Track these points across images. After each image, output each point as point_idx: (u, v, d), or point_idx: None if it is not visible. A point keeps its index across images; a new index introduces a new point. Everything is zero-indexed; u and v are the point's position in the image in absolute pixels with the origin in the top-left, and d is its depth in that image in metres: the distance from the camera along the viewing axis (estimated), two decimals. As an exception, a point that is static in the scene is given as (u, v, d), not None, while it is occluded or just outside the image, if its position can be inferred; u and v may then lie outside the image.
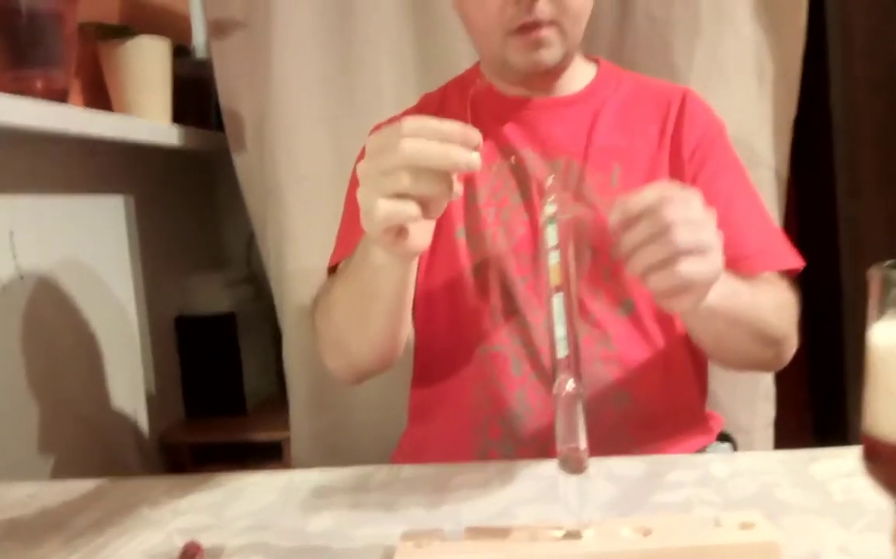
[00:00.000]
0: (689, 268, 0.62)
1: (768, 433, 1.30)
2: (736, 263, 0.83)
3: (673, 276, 0.62)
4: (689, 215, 0.63)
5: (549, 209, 0.59)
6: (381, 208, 0.61)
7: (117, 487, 0.85)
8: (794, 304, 0.90)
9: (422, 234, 0.66)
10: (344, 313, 0.84)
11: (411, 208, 0.61)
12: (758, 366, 0.95)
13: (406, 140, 0.60)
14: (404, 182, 0.60)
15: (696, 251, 0.63)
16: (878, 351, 0.47)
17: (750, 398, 1.28)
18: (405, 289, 0.78)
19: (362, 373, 0.92)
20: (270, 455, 1.51)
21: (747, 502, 0.65)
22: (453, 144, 0.60)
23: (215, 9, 1.42)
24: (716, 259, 0.65)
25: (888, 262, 0.47)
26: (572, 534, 0.59)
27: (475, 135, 0.61)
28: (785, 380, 1.25)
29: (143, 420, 1.52)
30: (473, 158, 0.60)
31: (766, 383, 1.28)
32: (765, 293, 0.86)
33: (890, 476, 0.47)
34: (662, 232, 0.62)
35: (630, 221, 0.64)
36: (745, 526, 0.57)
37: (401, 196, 0.61)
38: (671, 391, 0.96)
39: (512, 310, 0.93)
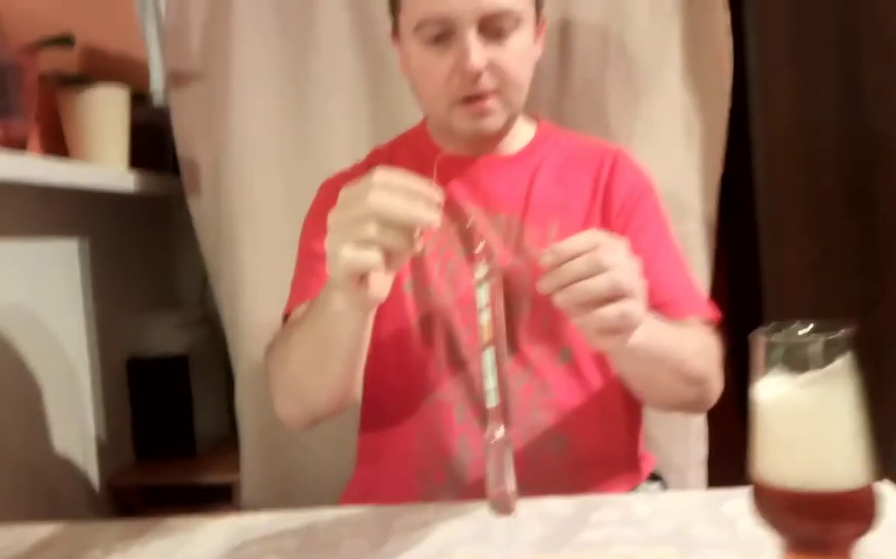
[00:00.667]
0: (616, 309, 0.68)
1: (701, 471, 1.36)
2: (660, 308, 0.90)
3: (602, 316, 0.68)
4: (617, 260, 0.69)
5: (480, 272, 0.65)
6: (346, 254, 0.66)
7: (69, 532, 0.86)
8: (716, 348, 0.97)
9: (381, 285, 0.70)
10: (301, 358, 0.87)
11: (375, 257, 0.66)
12: (684, 405, 0.99)
13: (375, 192, 0.64)
14: (370, 232, 0.65)
15: (623, 294, 0.68)
16: (761, 405, 0.53)
17: (683, 438, 1.35)
18: (362, 338, 0.82)
19: (315, 418, 0.95)
20: (221, 497, 1.52)
21: (664, 539, 0.71)
22: (418, 202, 0.65)
23: (174, 60, 1.46)
24: (640, 303, 0.71)
25: (770, 326, 0.54)
26: (502, 572, 0.64)
27: (437, 195, 0.66)
28: (717, 420, 1.32)
29: (92, 463, 1.52)
30: (434, 218, 0.65)
31: (697, 423, 1.35)
32: (688, 335, 0.92)
33: (774, 515, 0.53)
34: (592, 273, 0.67)
35: (562, 261, 0.69)
36: (658, 561, 0.63)
37: (366, 245, 0.65)
38: (606, 434, 1.02)
39: (456, 360, 0.98)
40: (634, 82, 1.35)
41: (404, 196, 0.65)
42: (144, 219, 1.75)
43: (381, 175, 0.65)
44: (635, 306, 0.70)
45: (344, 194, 0.68)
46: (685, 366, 0.89)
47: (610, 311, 0.68)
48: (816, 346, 0.52)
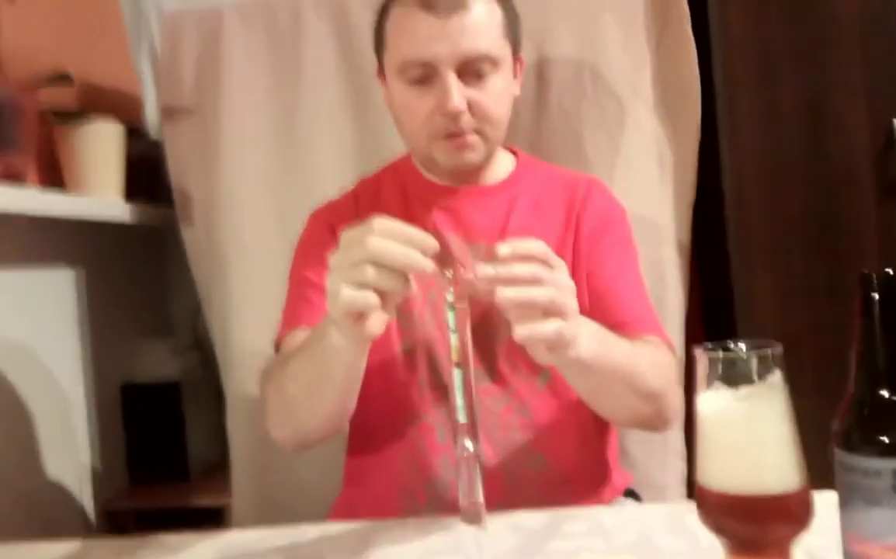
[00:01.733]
0: (552, 326, 0.72)
1: (681, 488, 1.40)
2: (617, 328, 0.94)
3: (540, 329, 0.72)
4: (555, 278, 0.73)
5: (449, 298, 0.69)
6: (345, 294, 0.71)
7: (65, 550, 0.90)
8: (672, 366, 1.00)
9: (377, 323, 0.75)
10: (297, 386, 0.91)
11: (371, 298, 0.71)
12: (641, 420, 1.01)
13: (374, 238, 0.70)
14: (368, 275, 0.70)
15: (558, 312, 0.73)
16: (703, 416, 0.58)
17: (661, 456, 1.39)
18: (357, 371, 0.86)
19: (308, 443, 0.98)
20: (212, 520, 1.55)
21: (628, 548, 0.75)
22: (414, 248, 0.70)
23: (168, 96, 1.52)
24: (572, 324, 0.75)
25: (712, 344, 0.59)
26: (473, 578, 0.68)
27: (433, 243, 0.71)
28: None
29: (86, 488, 1.55)
30: (428, 265, 0.70)
31: (675, 441, 1.39)
32: (641, 352, 0.94)
33: (715, 518, 0.58)
34: (533, 283, 0.72)
35: (516, 256, 0.73)
36: (618, 567, 0.67)
37: (364, 286, 0.70)
38: (583, 452, 1.06)
39: (438, 383, 1.02)
40: (608, 115, 1.41)
41: (402, 242, 0.70)
42: (138, 248, 1.79)
43: (381, 222, 0.71)
44: (567, 327, 0.74)
45: (345, 237, 0.73)
46: (637, 381, 0.91)
47: (546, 327, 0.72)
48: (751, 363, 0.57)
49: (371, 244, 0.69)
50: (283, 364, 0.95)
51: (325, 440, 0.97)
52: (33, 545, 0.92)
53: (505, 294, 0.71)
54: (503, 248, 0.73)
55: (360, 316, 0.73)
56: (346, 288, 0.71)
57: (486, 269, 0.71)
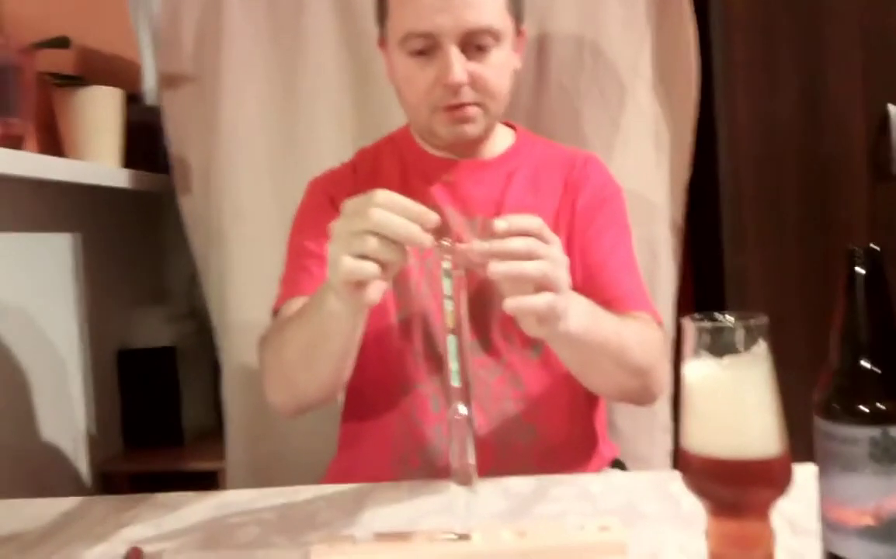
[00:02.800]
0: (543, 299, 0.74)
1: (666, 461, 1.43)
2: (608, 303, 0.96)
3: (531, 302, 0.74)
4: (549, 253, 0.75)
5: (446, 265, 0.71)
6: (345, 263, 0.72)
7: (63, 505, 0.92)
8: (661, 342, 1.02)
9: (375, 291, 0.76)
10: (295, 352, 0.92)
11: (371, 268, 0.72)
12: (627, 394, 1.03)
13: (376, 210, 0.71)
14: (369, 245, 0.71)
15: (550, 286, 0.74)
16: (689, 383, 0.60)
17: (649, 430, 1.42)
18: (354, 336, 0.88)
19: (305, 407, 1.00)
20: (206, 484, 1.57)
21: (612, 513, 0.78)
22: (414, 221, 0.71)
23: (167, 63, 1.52)
24: (564, 298, 0.76)
25: (698, 315, 0.60)
26: (463, 537, 0.70)
27: (433, 217, 0.72)
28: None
29: (82, 451, 1.57)
30: (427, 239, 0.71)
31: (663, 416, 1.42)
32: (630, 327, 0.96)
33: (698, 482, 0.60)
34: (527, 257, 0.73)
35: (513, 231, 0.74)
36: (603, 529, 0.70)
37: (365, 256, 0.72)
38: (572, 424, 1.08)
39: (432, 352, 1.04)
40: (607, 92, 1.42)
41: (403, 215, 0.71)
42: (136, 215, 1.80)
43: (383, 194, 0.72)
44: (559, 301, 0.75)
45: (347, 206, 0.75)
46: (625, 356, 0.93)
47: (536, 299, 0.74)
48: (738, 333, 0.58)
49: (373, 215, 0.71)
50: (280, 330, 0.97)
51: (321, 405, 0.98)
52: (30, 502, 0.94)
53: (497, 267, 0.73)
54: (499, 223, 0.74)
55: (359, 284, 0.74)
56: (347, 257, 0.72)
57: (481, 244, 0.73)
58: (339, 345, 0.87)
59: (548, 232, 0.76)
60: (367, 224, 0.71)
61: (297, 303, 1.00)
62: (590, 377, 0.97)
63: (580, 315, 0.82)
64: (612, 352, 0.91)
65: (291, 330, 0.93)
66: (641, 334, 0.97)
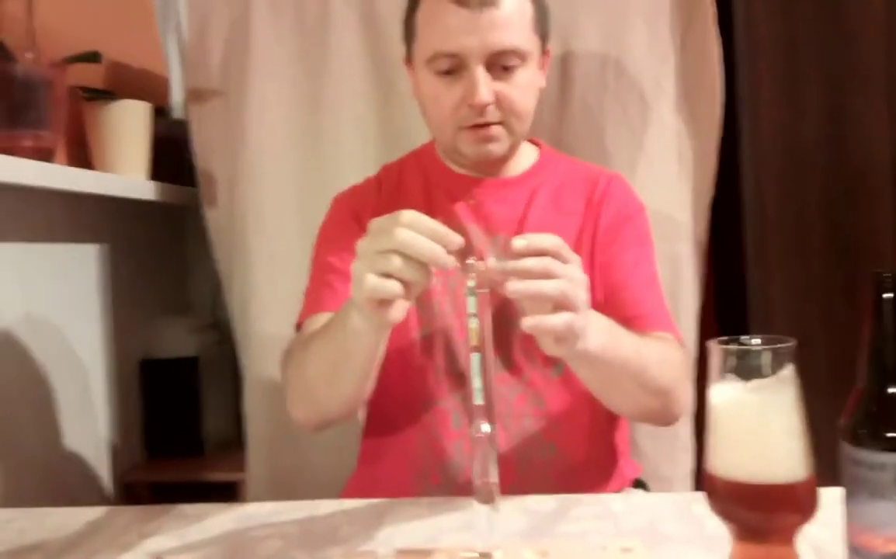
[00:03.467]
0: (561, 319, 0.74)
1: (688, 482, 1.42)
2: (629, 321, 0.96)
3: (549, 322, 0.73)
4: (568, 272, 0.75)
5: (470, 283, 0.71)
6: (369, 281, 0.73)
7: (87, 515, 0.93)
8: (681, 362, 1.01)
9: (399, 310, 0.77)
10: (318, 368, 0.93)
11: (395, 287, 0.73)
12: (647, 414, 1.02)
13: (401, 230, 0.72)
14: (394, 264, 0.72)
15: (568, 306, 0.74)
16: (715, 406, 0.60)
17: (670, 449, 1.41)
18: (376, 355, 0.88)
19: (327, 423, 1.01)
20: (227, 495, 1.58)
21: (635, 533, 0.77)
22: (439, 243, 0.72)
23: (194, 77, 1.54)
24: (582, 317, 0.76)
25: (724, 338, 0.60)
26: (484, 555, 0.70)
27: (457, 239, 0.73)
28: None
29: (104, 460, 1.58)
30: (451, 261, 0.72)
31: (685, 436, 1.41)
32: (650, 347, 0.95)
33: (724, 505, 0.59)
34: (544, 276, 0.73)
35: (532, 250, 0.74)
36: (625, 550, 0.69)
37: (389, 275, 0.72)
38: (593, 442, 1.07)
39: (454, 370, 1.04)
40: (631, 109, 1.42)
41: (428, 236, 0.72)
42: (162, 227, 1.82)
43: (410, 214, 0.73)
44: (577, 320, 0.75)
45: (373, 225, 0.75)
46: (646, 376, 0.92)
47: (556, 319, 0.74)
48: (764, 357, 0.58)
49: (399, 235, 0.71)
50: (304, 345, 0.97)
51: (343, 420, 0.99)
52: (54, 511, 0.95)
53: (514, 286, 0.73)
54: (518, 242, 0.74)
55: (382, 303, 0.75)
56: (371, 275, 0.73)
57: (498, 263, 0.73)
58: (361, 362, 0.88)
59: (567, 251, 0.76)
60: (392, 243, 0.72)
61: (320, 320, 1.01)
62: (609, 396, 0.96)
63: (599, 334, 0.82)
64: (631, 372, 0.90)
65: (315, 346, 0.93)
66: (662, 354, 0.97)
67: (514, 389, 1.04)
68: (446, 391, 1.04)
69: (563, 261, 0.75)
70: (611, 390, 0.94)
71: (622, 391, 0.93)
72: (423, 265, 0.72)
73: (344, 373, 0.90)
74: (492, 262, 0.74)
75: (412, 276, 0.72)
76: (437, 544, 0.77)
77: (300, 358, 0.97)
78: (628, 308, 1.01)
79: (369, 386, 0.94)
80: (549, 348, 0.77)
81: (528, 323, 0.74)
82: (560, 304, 0.74)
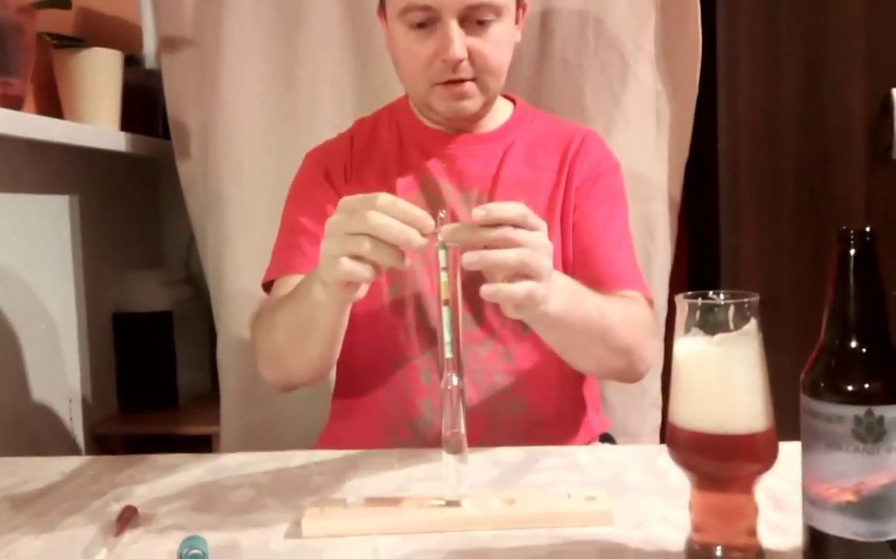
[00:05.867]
0: (522, 287, 0.73)
1: (655, 437, 1.45)
2: (598, 280, 0.97)
3: (508, 290, 0.73)
4: (530, 239, 0.74)
5: (441, 237, 0.71)
6: (343, 265, 0.72)
7: (58, 464, 0.93)
8: (649, 321, 1.03)
9: (364, 289, 0.77)
10: (284, 336, 0.94)
11: (366, 271, 0.73)
12: (611, 372, 1.03)
13: (375, 213, 0.71)
14: (365, 247, 0.71)
15: (530, 274, 0.74)
16: (679, 359, 0.61)
17: (639, 405, 1.43)
18: (341, 323, 0.89)
19: (296, 385, 1.02)
20: (200, 448, 1.58)
21: (600, 484, 0.79)
22: (413, 227, 0.71)
23: (167, 26, 1.51)
24: (545, 285, 0.75)
25: (690, 294, 0.61)
26: (452, 503, 0.71)
27: (430, 223, 0.71)
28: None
29: (76, 413, 1.57)
30: (424, 245, 0.71)
31: (653, 392, 1.43)
32: (615, 307, 0.95)
33: (684, 455, 0.61)
34: (505, 246, 0.72)
35: (491, 222, 0.73)
36: (589, 499, 0.71)
37: (360, 258, 0.72)
38: (562, 398, 1.09)
39: (424, 326, 1.04)
40: (610, 68, 1.42)
41: (402, 220, 0.71)
42: (133, 179, 1.80)
43: (385, 198, 0.71)
44: (539, 288, 0.74)
45: (346, 204, 0.74)
46: (609, 336, 0.92)
47: (516, 288, 0.73)
48: (729, 311, 0.59)
49: (372, 218, 0.71)
50: (272, 311, 0.98)
51: (312, 383, 1.01)
52: (24, 460, 0.95)
53: (470, 258, 0.72)
54: (477, 212, 0.73)
55: (349, 282, 0.75)
56: (344, 259, 0.72)
57: (458, 232, 0.72)
58: (325, 332, 0.89)
59: (533, 218, 0.75)
60: (365, 226, 0.71)
61: (289, 282, 1.01)
62: (572, 355, 0.97)
63: (561, 297, 0.81)
64: (594, 333, 0.91)
65: (281, 314, 0.94)
66: (627, 314, 0.97)
67: (485, 346, 1.05)
68: (416, 348, 1.05)
69: (529, 228, 0.74)
70: (573, 350, 0.95)
71: (585, 351, 0.94)
72: (394, 248, 0.71)
73: (309, 341, 0.91)
74: (446, 231, 0.72)
75: (384, 260, 0.72)
76: (406, 493, 0.78)
77: (268, 323, 0.97)
78: (598, 266, 1.02)
79: (335, 352, 0.95)
80: (510, 312, 0.77)
81: (486, 290, 0.73)
82: (520, 272, 0.73)
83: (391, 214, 0.71)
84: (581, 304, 0.88)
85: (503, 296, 0.74)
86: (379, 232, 0.71)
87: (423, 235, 0.71)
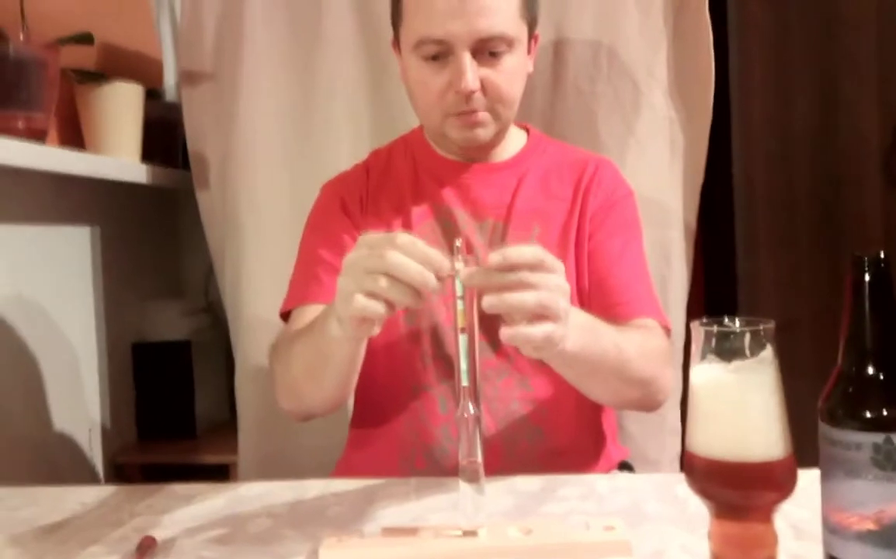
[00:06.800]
0: (540, 330, 0.73)
1: (675, 465, 1.43)
2: (613, 309, 0.97)
3: (526, 333, 0.73)
4: (548, 282, 0.74)
5: (457, 266, 0.72)
6: (357, 301, 0.73)
7: (78, 493, 0.94)
8: (665, 350, 1.02)
9: (379, 326, 0.77)
10: (301, 368, 0.95)
11: (381, 308, 0.73)
12: (630, 403, 1.03)
13: (394, 252, 0.72)
14: (381, 285, 0.72)
15: (548, 316, 0.74)
16: (696, 386, 0.61)
17: (658, 433, 1.42)
18: (357, 357, 0.90)
19: (313, 415, 1.03)
20: (218, 477, 1.59)
21: (618, 513, 0.78)
22: (430, 269, 0.71)
23: (187, 60, 1.54)
24: (563, 326, 0.76)
25: (705, 320, 0.61)
26: (469, 533, 0.71)
27: (447, 265, 0.72)
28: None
29: (96, 441, 1.58)
30: (439, 287, 0.72)
31: (672, 420, 1.42)
32: (631, 339, 0.95)
33: (702, 483, 0.60)
34: (530, 287, 0.73)
35: (508, 267, 0.73)
36: (608, 529, 0.71)
37: (376, 296, 0.73)
38: (579, 426, 1.08)
39: (440, 354, 1.05)
40: (623, 96, 1.43)
41: (419, 261, 0.72)
42: (154, 210, 1.82)
43: (405, 238, 0.73)
44: (556, 329, 0.75)
45: (364, 241, 0.75)
46: (626, 369, 0.92)
47: (534, 331, 0.73)
48: (745, 338, 0.59)
49: (390, 257, 0.71)
50: (289, 343, 0.99)
51: (328, 413, 1.01)
52: (45, 489, 0.96)
53: (489, 301, 0.72)
54: (493, 257, 0.73)
55: (364, 319, 0.75)
56: (359, 295, 0.73)
57: (474, 277, 0.73)
58: (340, 365, 0.90)
59: (550, 259, 0.75)
60: (383, 265, 0.72)
61: (306, 312, 1.02)
62: (589, 388, 0.97)
63: (579, 334, 0.82)
64: (611, 366, 0.91)
65: (298, 346, 0.95)
66: (644, 345, 0.97)
67: (502, 373, 1.05)
68: (433, 377, 1.05)
69: (547, 270, 0.74)
70: (590, 383, 0.95)
71: (602, 383, 0.94)
72: (411, 288, 0.72)
73: (325, 374, 0.92)
74: (465, 274, 0.72)
75: (399, 299, 0.73)
76: (423, 523, 0.78)
77: (285, 355, 0.99)
78: (614, 295, 1.02)
79: (352, 384, 0.96)
80: (528, 352, 0.77)
81: (505, 334, 0.74)
82: (538, 315, 0.74)
83: (410, 254, 0.72)
84: (598, 341, 0.88)
85: (522, 339, 0.74)
86: (396, 271, 0.71)
87: (439, 278, 0.71)
